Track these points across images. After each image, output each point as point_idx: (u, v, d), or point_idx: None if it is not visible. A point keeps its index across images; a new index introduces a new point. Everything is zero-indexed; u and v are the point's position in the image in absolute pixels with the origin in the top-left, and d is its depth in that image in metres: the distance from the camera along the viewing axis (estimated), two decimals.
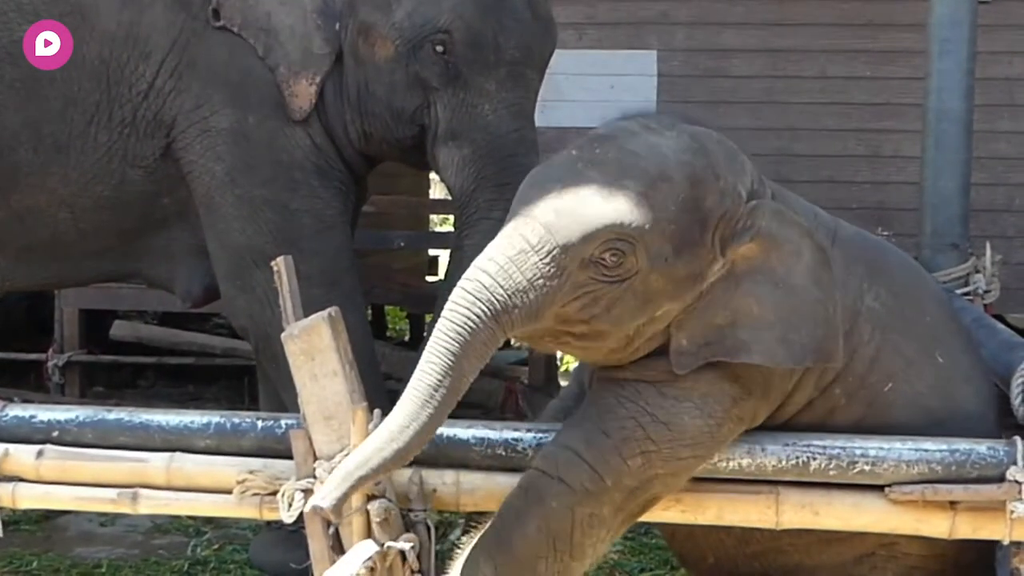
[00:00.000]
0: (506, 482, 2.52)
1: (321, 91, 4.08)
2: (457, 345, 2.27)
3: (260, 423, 2.62)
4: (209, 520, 4.93)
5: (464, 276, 2.35)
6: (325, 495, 2.25)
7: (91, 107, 4.05)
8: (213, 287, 4.34)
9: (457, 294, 2.31)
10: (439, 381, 2.27)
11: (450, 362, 2.27)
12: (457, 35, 3.96)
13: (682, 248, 2.37)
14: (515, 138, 4.01)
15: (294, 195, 4.10)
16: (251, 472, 2.55)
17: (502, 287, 2.30)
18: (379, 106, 4.10)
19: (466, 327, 2.28)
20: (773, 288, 2.43)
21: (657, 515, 2.56)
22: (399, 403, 2.30)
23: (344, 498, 2.26)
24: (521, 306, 2.30)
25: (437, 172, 4.23)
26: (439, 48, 3.98)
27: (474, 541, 2.47)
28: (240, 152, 4.08)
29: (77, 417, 2.65)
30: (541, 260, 2.31)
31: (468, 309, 2.29)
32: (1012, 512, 2.37)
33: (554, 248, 2.31)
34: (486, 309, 2.29)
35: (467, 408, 2.78)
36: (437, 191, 11.89)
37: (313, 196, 4.13)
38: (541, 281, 2.31)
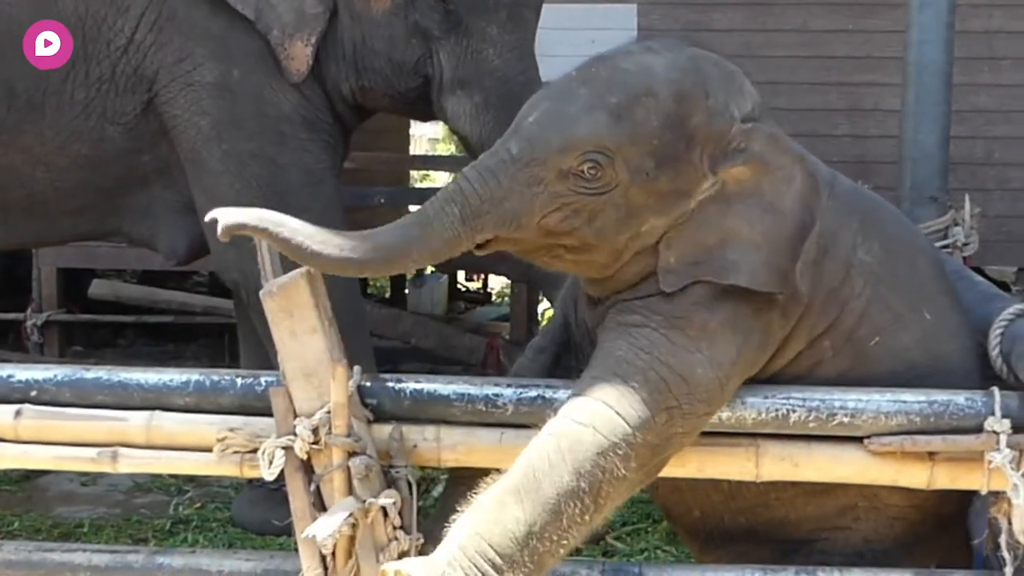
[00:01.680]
0: (487, 437, 2.53)
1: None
2: (418, 230, 2.36)
3: (240, 380, 2.60)
4: (191, 478, 4.95)
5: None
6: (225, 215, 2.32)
7: (67, 63, 4.00)
8: (197, 244, 4.31)
9: (435, 195, 2.39)
10: (382, 244, 2.35)
11: (404, 239, 2.36)
12: None
13: (664, 163, 2.39)
14: (523, 80, 3.99)
15: (282, 149, 4.07)
16: (231, 430, 2.53)
17: (478, 192, 2.36)
18: (379, 60, 4.07)
19: (433, 219, 2.35)
20: (763, 212, 2.42)
21: None
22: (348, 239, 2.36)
23: (238, 227, 2.32)
24: (494, 213, 2.36)
25: (446, 122, 4.21)
26: None
27: (492, 485, 2.35)
28: (226, 106, 4.05)
29: (55, 376, 2.63)
30: (519, 170, 2.36)
31: (441, 207, 2.36)
32: (990, 462, 2.38)
33: (533, 159, 2.37)
34: (457, 210, 2.35)
35: (448, 364, 2.79)
36: (417, 147, 11.86)
37: (301, 150, 4.10)
38: (519, 190, 2.36)
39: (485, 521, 2.28)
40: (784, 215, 2.43)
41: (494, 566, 2.25)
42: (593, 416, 2.32)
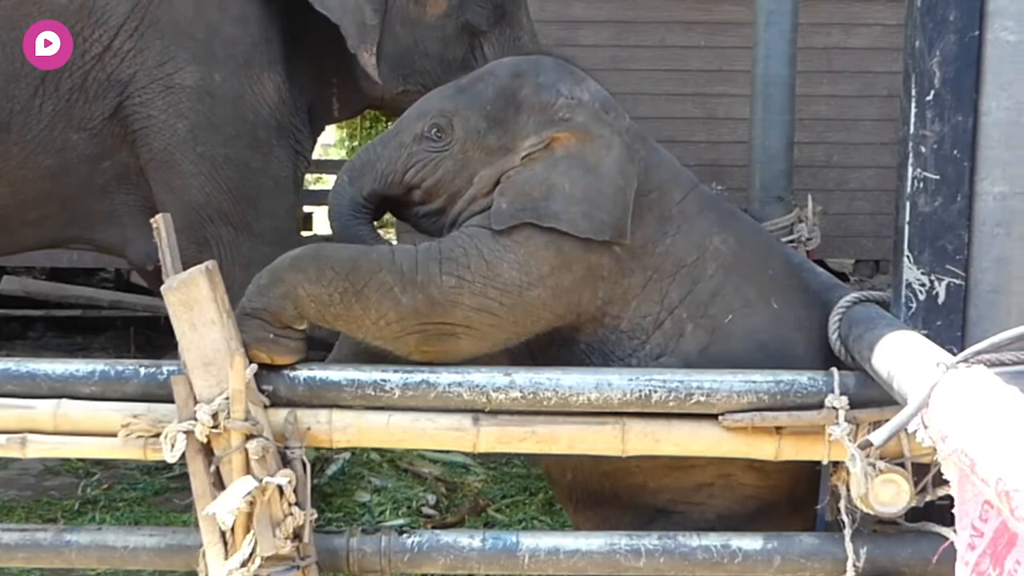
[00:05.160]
0: (375, 419, 2.52)
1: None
2: (329, 203, 2.87)
3: (143, 370, 2.56)
4: (99, 462, 4.84)
5: None
6: None
7: (36, 80, 3.73)
8: None
9: None
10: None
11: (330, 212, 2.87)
12: None
13: (494, 125, 2.71)
14: None
15: (255, 154, 3.89)
16: (135, 416, 2.49)
17: (360, 159, 2.86)
18: (430, 62, 3.99)
19: (333, 189, 2.89)
20: (584, 172, 2.62)
21: (515, 446, 2.57)
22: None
23: None
24: (370, 173, 2.80)
25: None
26: None
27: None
28: (205, 110, 3.84)
29: None
30: (390, 140, 2.82)
31: (337, 178, 2.89)
32: (830, 435, 2.42)
33: (400, 130, 2.81)
34: (346, 177, 2.84)
35: None
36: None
37: (272, 156, 3.93)
38: (387, 154, 2.79)
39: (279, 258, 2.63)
40: (602, 176, 2.61)
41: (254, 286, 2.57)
42: (397, 248, 2.62)
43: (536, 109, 2.68)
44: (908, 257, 2.45)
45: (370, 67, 3.92)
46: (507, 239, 2.58)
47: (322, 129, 4.36)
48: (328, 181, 11.25)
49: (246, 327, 2.49)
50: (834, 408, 2.43)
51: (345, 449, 4.71)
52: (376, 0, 3.93)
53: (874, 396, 2.40)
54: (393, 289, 2.49)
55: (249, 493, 2.37)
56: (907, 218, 2.44)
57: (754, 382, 2.48)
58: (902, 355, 2.19)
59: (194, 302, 2.42)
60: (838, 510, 2.49)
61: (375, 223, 2.88)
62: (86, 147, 3.85)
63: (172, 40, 3.82)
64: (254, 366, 2.45)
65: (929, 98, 2.40)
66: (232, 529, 2.41)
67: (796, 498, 2.71)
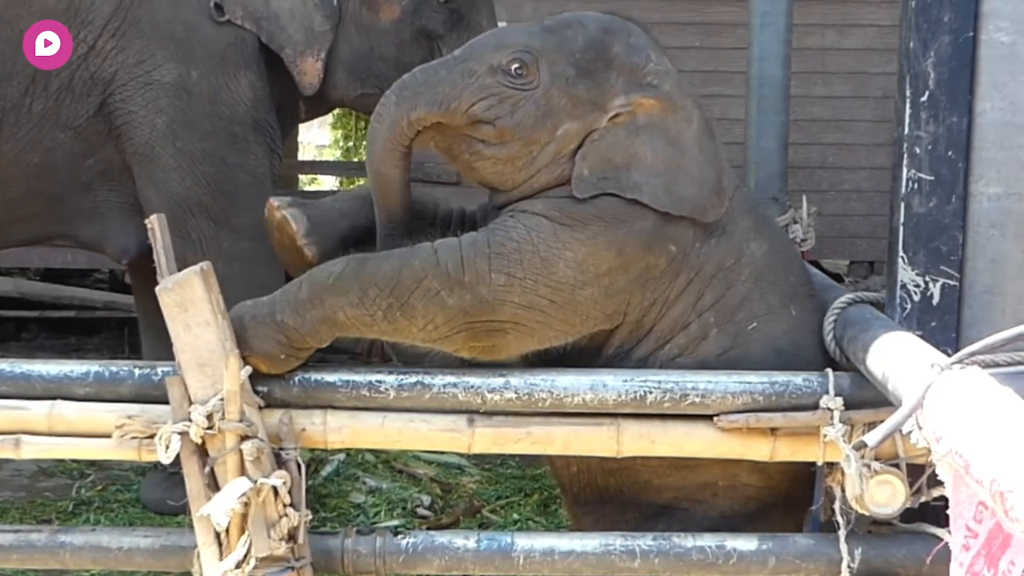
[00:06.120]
0: (370, 420, 2.51)
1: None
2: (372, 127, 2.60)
3: (137, 371, 2.55)
4: (93, 463, 4.84)
5: None
6: None
7: (26, 79, 3.79)
8: (148, 243, 4.13)
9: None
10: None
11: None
12: None
13: (583, 75, 2.54)
14: None
15: (232, 150, 3.97)
16: (129, 417, 2.49)
17: (416, 78, 2.57)
18: (387, 66, 4.05)
19: (377, 111, 2.58)
20: (667, 144, 2.56)
21: (510, 447, 2.58)
22: None
23: None
24: (427, 93, 2.52)
25: None
26: None
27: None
28: (182, 106, 3.93)
29: None
30: (457, 65, 2.55)
31: (382, 99, 2.59)
32: (825, 436, 2.42)
33: (470, 57, 2.56)
34: (393, 96, 2.56)
35: (335, 353, 2.77)
36: (305, 153, 11.79)
37: (249, 152, 4.02)
38: (453, 79, 2.52)
39: (318, 270, 2.50)
40: (683, 150, 2.57)
41: (289, 300, 2.46)
42: (440, 244, 2.46)
43: (626, 69, 2.56)
44: (903, 258, 2.45)
45: (311, 73, 4.01)
46: (569, 236, 2.47)
47: (290, 130, 4.41)
48: (323, 183, 11.26)
49: (260, 336, 2.44)
50: (829, 409, 2.43)
51: (340, 450, 4.70)
52: (328, 7, 4.01)
53: (869, 397, 2.41)
54: (440, 293, 2.41)
55: (244, 494, 2.37)
56: (902, 219, 2.45)
57: (749, 383, 2.48)
58: (897, 356, 2.19)
59: (189, 303, 2.41)
60: (833, 511, 2.50)
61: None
62: (72, 145, 3.93)
63: (151, 39, 3.91)
64: (249, 367, 2.45)
65: (923, 99, 2.40)
66: (227, 530, 2.40)
67: (793, 499, 2.71)
